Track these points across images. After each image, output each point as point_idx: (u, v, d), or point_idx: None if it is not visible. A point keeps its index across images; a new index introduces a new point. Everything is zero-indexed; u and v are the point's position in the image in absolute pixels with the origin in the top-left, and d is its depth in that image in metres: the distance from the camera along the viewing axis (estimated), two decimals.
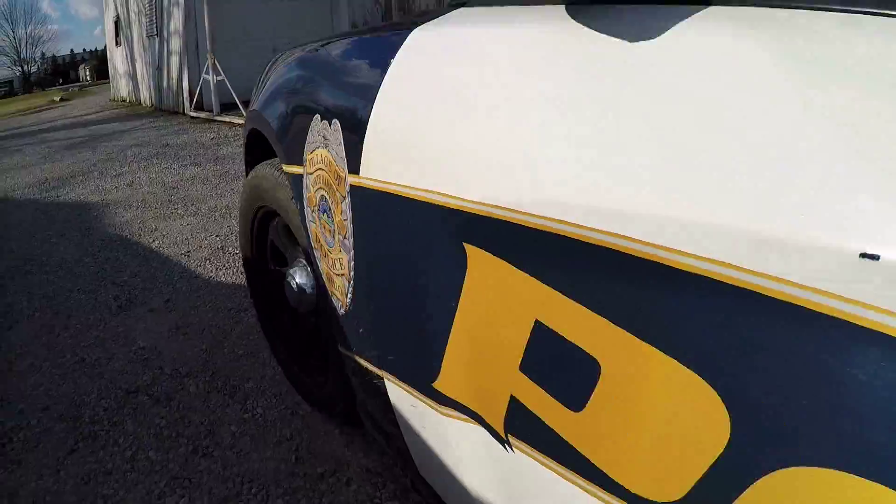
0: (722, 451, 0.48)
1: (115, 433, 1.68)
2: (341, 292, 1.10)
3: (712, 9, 0.56)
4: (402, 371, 0.97)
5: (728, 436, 0.48)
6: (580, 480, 0.63)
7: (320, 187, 1.10)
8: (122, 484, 1.48)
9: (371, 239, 0.97)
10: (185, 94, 9.95)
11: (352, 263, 1.03)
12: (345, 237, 1.03)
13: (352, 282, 1.05)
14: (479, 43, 0.83)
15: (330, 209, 1.07)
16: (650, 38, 0.58)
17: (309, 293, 1.41)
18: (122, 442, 1.64)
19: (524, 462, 0.72)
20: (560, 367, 0.64)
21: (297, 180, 1.24)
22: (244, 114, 2.04)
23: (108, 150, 6.99)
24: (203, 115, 8.95)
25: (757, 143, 0.47)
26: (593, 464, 0.61)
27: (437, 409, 0.87)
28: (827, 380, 0.42)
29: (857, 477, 0.40)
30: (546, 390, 0.66)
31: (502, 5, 0.87)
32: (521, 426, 0.72)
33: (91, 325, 2.38)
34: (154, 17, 11.16)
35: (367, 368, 1.09)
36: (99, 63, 43.99)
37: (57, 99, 22.01)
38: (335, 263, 1.10)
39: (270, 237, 1.70)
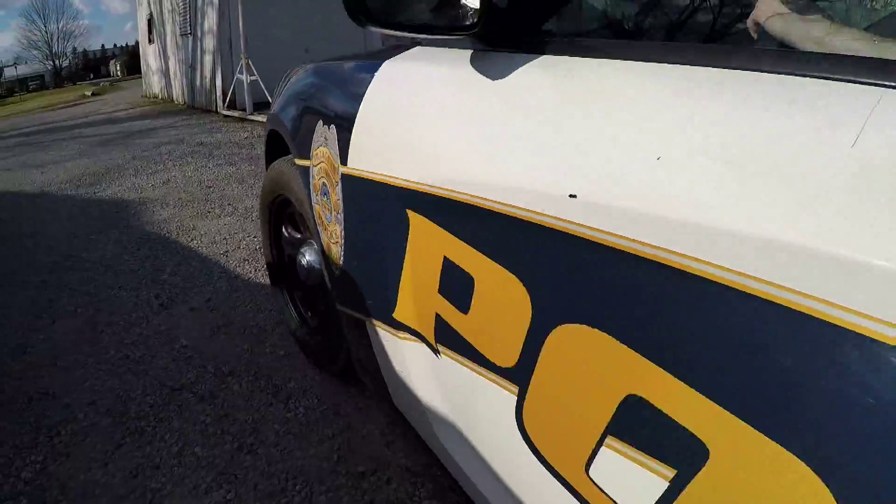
0: (529, 321, 0.77)
1: (162, 429, 1.73)
2: (336, 257, 1.40)
3: (543, 57, 0.87)
4: (375, 311, 1.26)
5: (530, 311, 0.77)
6: (472, 364, 0.93)
7: (322, 176, 1.41)
8: (170, 478, 1.53)
9: (354, 212, 1.28)
10: (218, 93, 10.09)
11: (343, 233, 1.33)
12: (338, 213, 1.34)
13: (343, 248, 1.35)
14: (420, 74, 1.16)
15: (328, 192, 1.38)
16: (503, 77, 0.90)
17: (316, 269, 1.74)
18: (169, 438, 1.68)
19: (448, 364, 1.01)
20: (456, 285, 0.95)
21: (305, 171, 1.55)
22: None
23: (142, 148, 7.11)
24: (236, 113, 9.08)
25: (549, 141, 0.77)
26: (476, 349, 0.91)
27: (396, 335, 1.18)
28: (579, 272, 0.71)
29: (603, 332, 0.67)
30: (452, 304, 0.97)
31: (441, 47, 1.16)
32: (443, 336, 1.01)
33: (133, 323, 2.43)
34: (188, 16, 11.32)
35: (355, 317, 1.38)
36: (130, 58, 44.61)
37: (88, 94, 22.40)
38: (332, 234, 1.40)
39: (283, 223, 2.01)
